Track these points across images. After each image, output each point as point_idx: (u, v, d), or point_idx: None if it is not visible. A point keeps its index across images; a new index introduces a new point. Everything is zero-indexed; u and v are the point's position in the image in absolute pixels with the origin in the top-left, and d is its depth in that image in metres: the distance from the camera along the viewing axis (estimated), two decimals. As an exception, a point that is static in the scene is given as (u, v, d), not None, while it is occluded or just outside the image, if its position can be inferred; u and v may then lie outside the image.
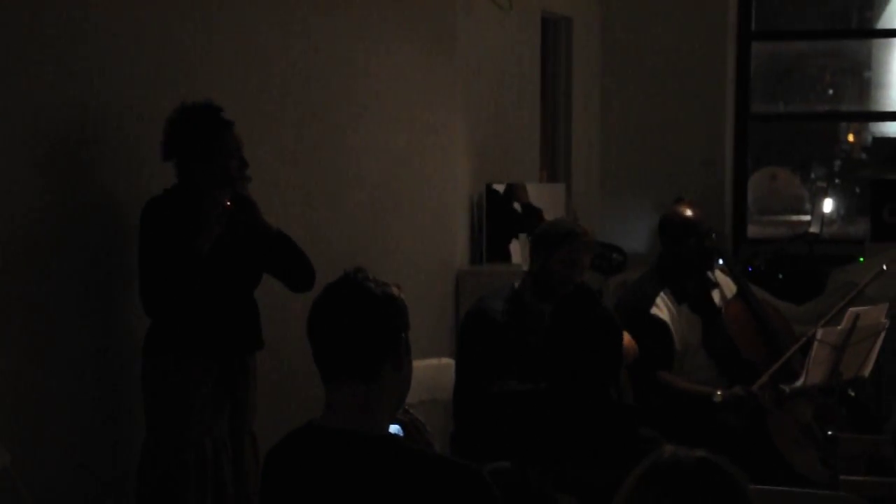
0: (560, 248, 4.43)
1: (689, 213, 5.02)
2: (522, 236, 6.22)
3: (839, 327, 4.60)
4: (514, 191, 6.37)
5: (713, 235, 5.05)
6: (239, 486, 3.99)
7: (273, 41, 4.81)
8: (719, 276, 5.16)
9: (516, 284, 4.52)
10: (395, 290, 2.47)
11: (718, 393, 4.71)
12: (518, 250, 6.26)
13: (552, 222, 4.71)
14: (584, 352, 3.44)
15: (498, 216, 6.35)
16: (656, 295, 4.93)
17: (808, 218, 8.15)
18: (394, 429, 2.68)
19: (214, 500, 3.92)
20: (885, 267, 4.94)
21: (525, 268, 4.69)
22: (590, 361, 3.44)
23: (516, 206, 6.37)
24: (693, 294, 5.02)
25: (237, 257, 3.97)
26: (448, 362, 4.92)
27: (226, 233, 3.89)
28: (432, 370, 4.80)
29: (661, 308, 4.92)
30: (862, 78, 9.30)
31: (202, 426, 3.88)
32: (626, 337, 4.64)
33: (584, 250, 4.49)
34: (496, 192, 6.32)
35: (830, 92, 9.50)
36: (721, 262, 5.17)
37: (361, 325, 2.41)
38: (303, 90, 4.99)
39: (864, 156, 9.26)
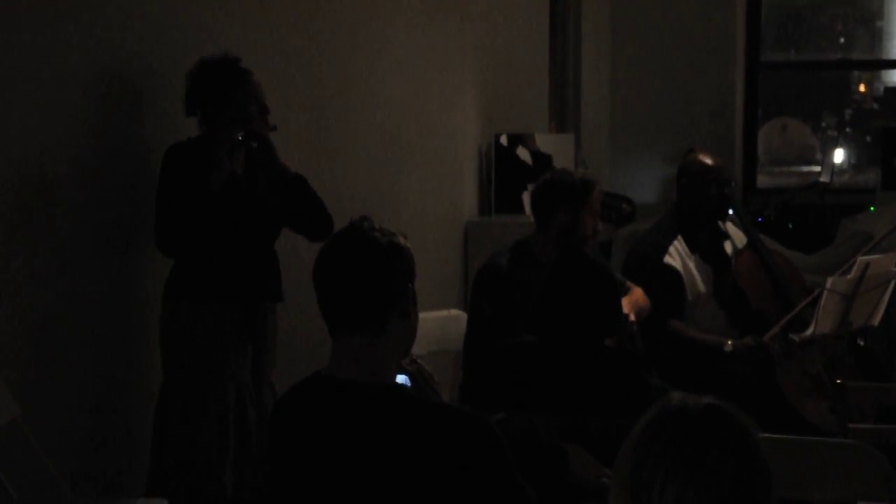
0: (587, 200, 4.41)
1: (709, 160, 5.00)
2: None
3: (849, 276, 4.59)
4: (523, 139, 6.33)
5: (732, 184, 5.05)
6: (260, 433, 4.01)
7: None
8: (730, 226, 5.14)
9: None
10: (401, 240, 2.46)
11: (729, 343, 4.71)
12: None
13: (562, 174, 4.60)
14: (579, 308, 3.42)
15: (507, 167, 6.32)
16: (670, 243, 4.92)
17: (818, 168, 8.12)
18: (401, 379, 2.68)
19: (238, 444, 3.94)
20: None
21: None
22: (586, 317, 3.42)
23: (525, 152, 6.33)
24: (705, 244, 5.01)
25: (254, 197, 4.00)
26: (457, 313, 4.92)
27: (243, 173, 3.95)
28: (441, 321, 4.80)
29: (675, 257, 4.91)
30: (874, 27, 9.23)
31: (222, 370, 3.90)
32: (640, 292, 4.63)
33: (599, 198, 4.50)
34: (503, 144, 6.29)
35: (842, 41, 9.43)
36: (731, 212, 5.16)
37: (368, 274, 2.39)
38: (310, 41, 4.96)
39: (875, 105, 9.21)
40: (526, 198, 6.24)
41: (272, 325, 4.10)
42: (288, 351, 4.37)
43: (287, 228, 4.14)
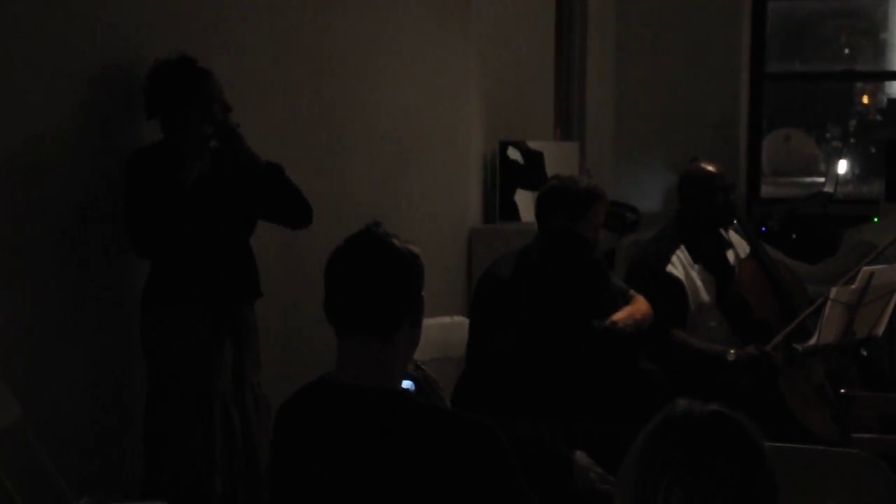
0: (588, 212, 4.38)
1: (712, 168, 4.99)
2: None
3: (853, 286, 4.59)
4: (515, 143, 6.33)
5: (735, 190, 5.04)
6: (244, 438, 3.98)
7: (288, 1, 4.79)
8: (733, 235, 5.14)
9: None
10: (415, 248, 2.46)
11: (732, 352, 4.70)
12: (525, 205, 6.19)
13: (569, 181, 4.53)
14: (568, 294, 3.41)
15: (511, 174, 6.32)
16: (672, 253, 4.91)
17: (822, 178, 8.14)
18: (406, 385, 2.68)
19: (226, 449, 3.91)
20: None
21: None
22: (573, 303, 3.41)
23: (516, 153, 6.30)
24: (708, 253, 5.00)
25: (226, 194, 3.92)
26: (460, 320, 4.92)
27: (212, 171, 3.86)
28: (444, 328, 4.79)
29: (677, 266, 4.90)
30: (878, 39, 9.26)
31: (205, 377, 3.86)
32: (643, 301, 4.62)
33: (603, 210, 4.48)
34: (506, 148, 6.30)
35: (846, 52, 9.46)
36: (735, 221, 5.15)
37: (388, 279, 2.39)
38: (316, 49, 4.97)
39: (879, 117, 9.23)
40: (519, 200, 6.22)
41: (252, 327, 4.04)
42: (265, 347, 4.32)
43: (266, 221, 4.07)
